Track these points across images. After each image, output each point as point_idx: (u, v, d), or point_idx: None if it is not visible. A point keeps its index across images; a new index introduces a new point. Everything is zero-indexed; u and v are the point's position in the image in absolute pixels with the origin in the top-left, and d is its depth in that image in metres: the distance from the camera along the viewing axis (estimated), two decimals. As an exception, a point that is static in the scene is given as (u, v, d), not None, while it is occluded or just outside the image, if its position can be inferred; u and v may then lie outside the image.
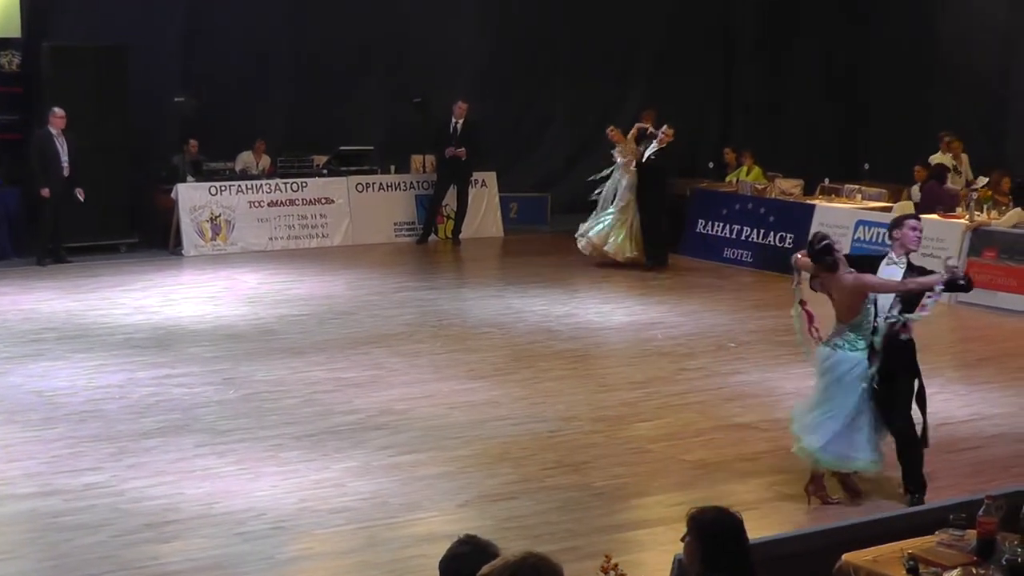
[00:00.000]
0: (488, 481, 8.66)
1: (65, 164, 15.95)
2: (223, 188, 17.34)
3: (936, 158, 17.12)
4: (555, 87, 20.58)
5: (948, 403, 10.55)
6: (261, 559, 7.42)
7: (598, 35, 20.55)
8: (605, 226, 16.37)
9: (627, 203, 16.30)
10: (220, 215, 17.25)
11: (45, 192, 15.82)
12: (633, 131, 16.71)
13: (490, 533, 4.41)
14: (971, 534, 5.55)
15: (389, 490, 8.44)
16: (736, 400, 10.59)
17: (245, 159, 18.09)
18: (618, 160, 16.45)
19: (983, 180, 16.28)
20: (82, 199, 15.95)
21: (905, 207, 15.99)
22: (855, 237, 15.51)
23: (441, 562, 4.20)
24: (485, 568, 3.72)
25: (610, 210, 16.41)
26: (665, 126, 16.35)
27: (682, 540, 4.67)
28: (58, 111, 15.91)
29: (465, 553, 4.12)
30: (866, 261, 8.64)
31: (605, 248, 16.33)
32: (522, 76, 20.32)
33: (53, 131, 15.93)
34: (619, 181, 16.40)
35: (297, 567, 7.43)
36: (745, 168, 18.19)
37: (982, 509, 5.49)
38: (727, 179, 18.17)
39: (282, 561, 7.43)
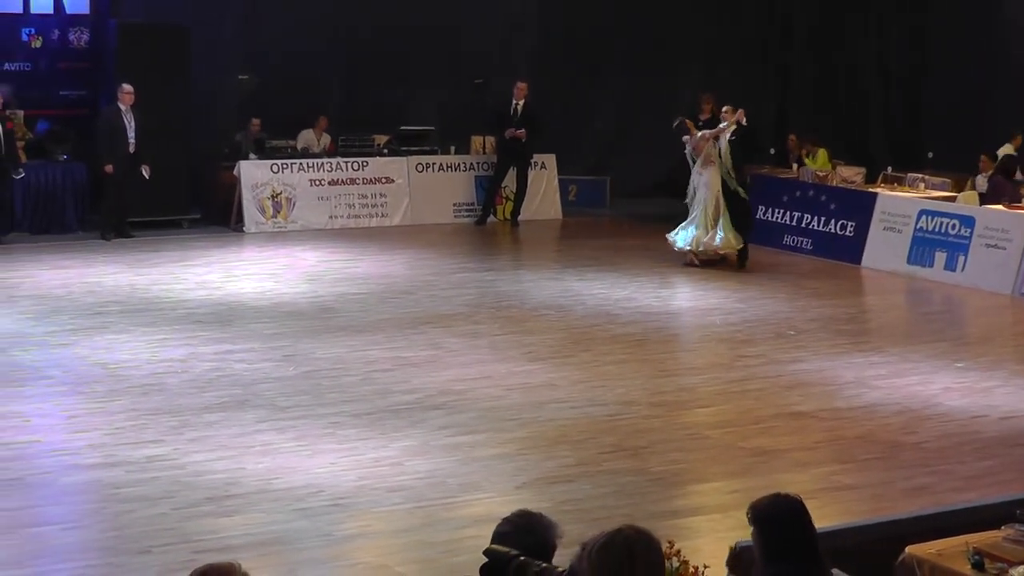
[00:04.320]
0: (545, 463, 8.64)
1: (132, 140, 16.03)
2: (285, 166, 17.39)
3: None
4: (614, 69, 20.44)
5: (1011, 396, 10.40)
6: (319, 535, 7.45)
7: (657, 17, 20.39)
8: (693, 229, 15.30)
9: (709, 203, 15.21)
10: (281, 193, 17.31)
11: (109, 168, 15.93)
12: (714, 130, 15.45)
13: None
14: (1038, 530, 5.47)
15: (446, 470, 8.44)
16: (795, 388, 10.49)
17: (307, 137, 18.14)
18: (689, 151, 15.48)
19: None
20: (147, 176, 16.07)
21: (970, 197, 15.81)
22: (917, 227, 15.32)
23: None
24: (586, 540, 3.78)
25: (695, 213, 15.35)
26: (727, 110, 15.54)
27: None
28: (127, 87, 16.00)
29: (505, 532, 4.13)
30: None
31: (701, 249, 15.28)
32: (581, 58, 20.21)
33: (122, 107, 16.02)
34: (697, 178, 15.43)
35: (355, 544, 7.45)
36: (810, 157, 17.95)
37: (1050, 505, 5.41)
38: (802, 166, 17.83)
39: (340, 538, 7.46)
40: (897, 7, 20.50)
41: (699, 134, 15.46)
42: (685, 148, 15.57)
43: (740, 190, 15.34)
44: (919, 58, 20.40)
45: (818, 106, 20.83)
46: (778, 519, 4.48)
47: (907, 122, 20.49)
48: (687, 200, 15.53)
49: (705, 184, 15.30)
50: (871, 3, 20.70)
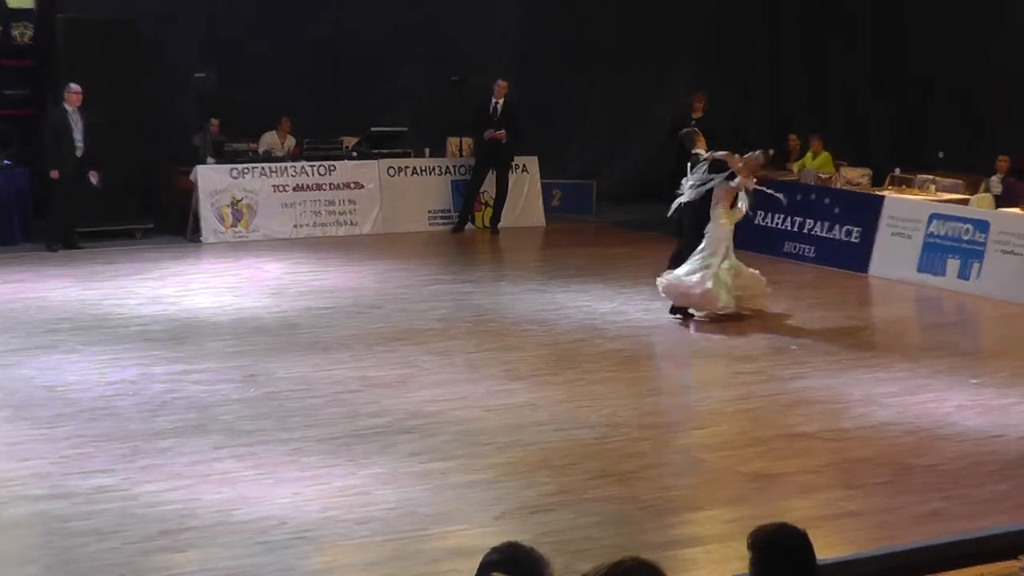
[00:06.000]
0: (525, 491, 8.62)
1: (79, 144, 16.00)
2: (246, 171, 17.37)
3: None
4: (599, 69, 20.55)
5: (1030, 415, 10.42)
6: (282, 570, 7.41)
7: (644, 16, 20.47)
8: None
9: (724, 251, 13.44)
10: (242, 199, 17.29)
11: (54, 174, 15.88)
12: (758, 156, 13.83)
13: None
14: (1057, 560, 5.47)
15: (418, 499, 8.42)
16: (797, 407, 10.49)
17: (269, 140, 18.14)
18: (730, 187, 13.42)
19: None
20: (96, 183, 16.02)
21: (984, 200, 15.87)
22: (928, 232, 15.36)
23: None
24: (587, 572, 3.78)
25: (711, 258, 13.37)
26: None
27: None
28: (74, 87, 15.97)
29: (493, 561, 4.14)
30: None
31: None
32: (565, 56, 20.30)
33: (68, 108, 15.99)
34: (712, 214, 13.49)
35: (320, 580, 7.43)
36: (811, 154, 18.05)
37: (1070, 533, 5.40)
38: (794, 167, 17.94)
39: (305, 573, 7.44)
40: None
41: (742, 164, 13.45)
42: (721, 183, 13.37)
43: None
44: (926, 50, 20.45)
45: (812, 106, 20.89)
46: (775, 548, 4.48)
47: (914, 121, 20.55)
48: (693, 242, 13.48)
49: (716, 220, 13.46)
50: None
